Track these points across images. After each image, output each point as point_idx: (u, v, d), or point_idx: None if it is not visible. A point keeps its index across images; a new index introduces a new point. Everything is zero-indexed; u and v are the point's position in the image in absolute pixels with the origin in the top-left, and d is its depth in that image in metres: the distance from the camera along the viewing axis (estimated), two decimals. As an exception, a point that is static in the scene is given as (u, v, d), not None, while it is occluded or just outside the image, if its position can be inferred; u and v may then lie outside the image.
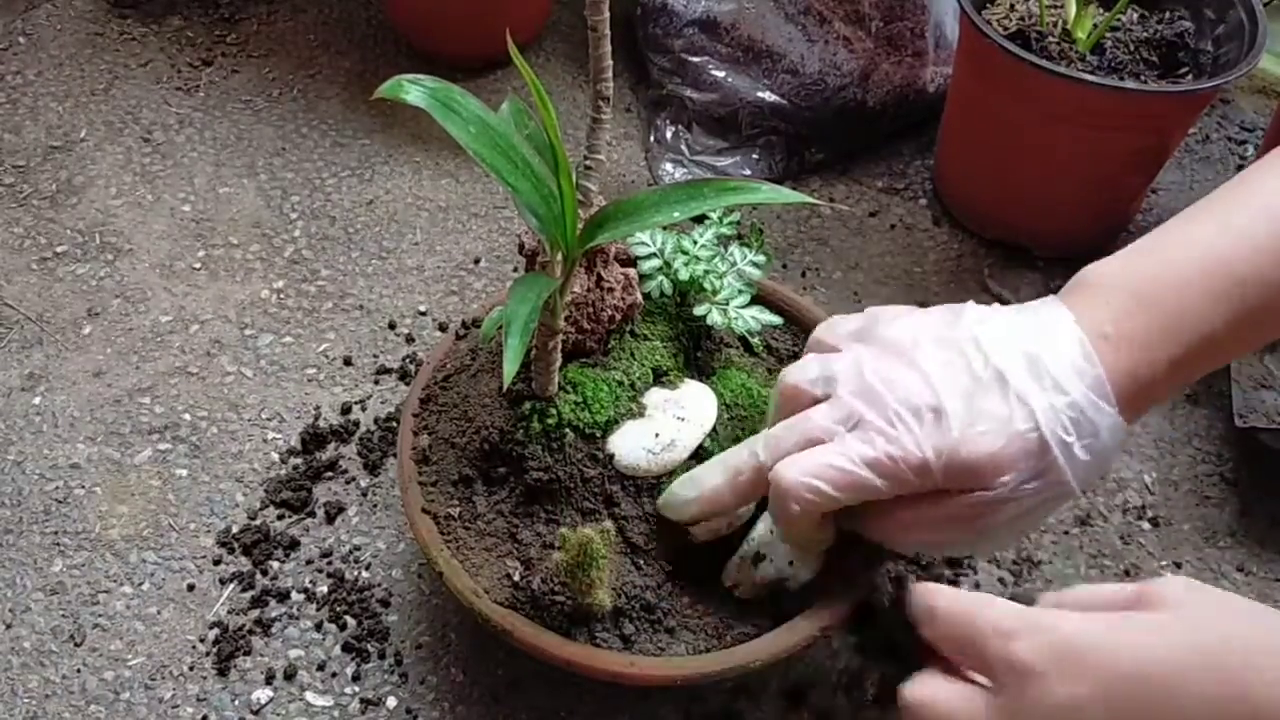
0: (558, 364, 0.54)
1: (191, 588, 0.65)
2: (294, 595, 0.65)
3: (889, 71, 0.93)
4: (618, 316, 0.58)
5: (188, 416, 0.74)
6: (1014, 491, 0.45)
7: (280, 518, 0.69)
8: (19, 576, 0.66)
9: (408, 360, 0.78)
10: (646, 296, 0.60)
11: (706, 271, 0.60)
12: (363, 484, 0.71)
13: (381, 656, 0.62)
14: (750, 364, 0.63)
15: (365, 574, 0.66)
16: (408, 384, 0.76)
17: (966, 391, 0.46)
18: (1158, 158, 0.83)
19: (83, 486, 0.70)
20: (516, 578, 0.54)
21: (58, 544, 0.67)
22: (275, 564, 0.66)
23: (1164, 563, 0.68)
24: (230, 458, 0.72)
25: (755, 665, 0.52)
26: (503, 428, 0.56)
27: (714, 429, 0.57)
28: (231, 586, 0.65)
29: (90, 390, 0.76)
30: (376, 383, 0.77)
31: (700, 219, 0.62)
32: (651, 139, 0.96)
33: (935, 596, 0.45)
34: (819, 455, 0.47)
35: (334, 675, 0.62)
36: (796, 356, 0.66)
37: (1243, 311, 0.46)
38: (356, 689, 0.61)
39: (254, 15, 1.08)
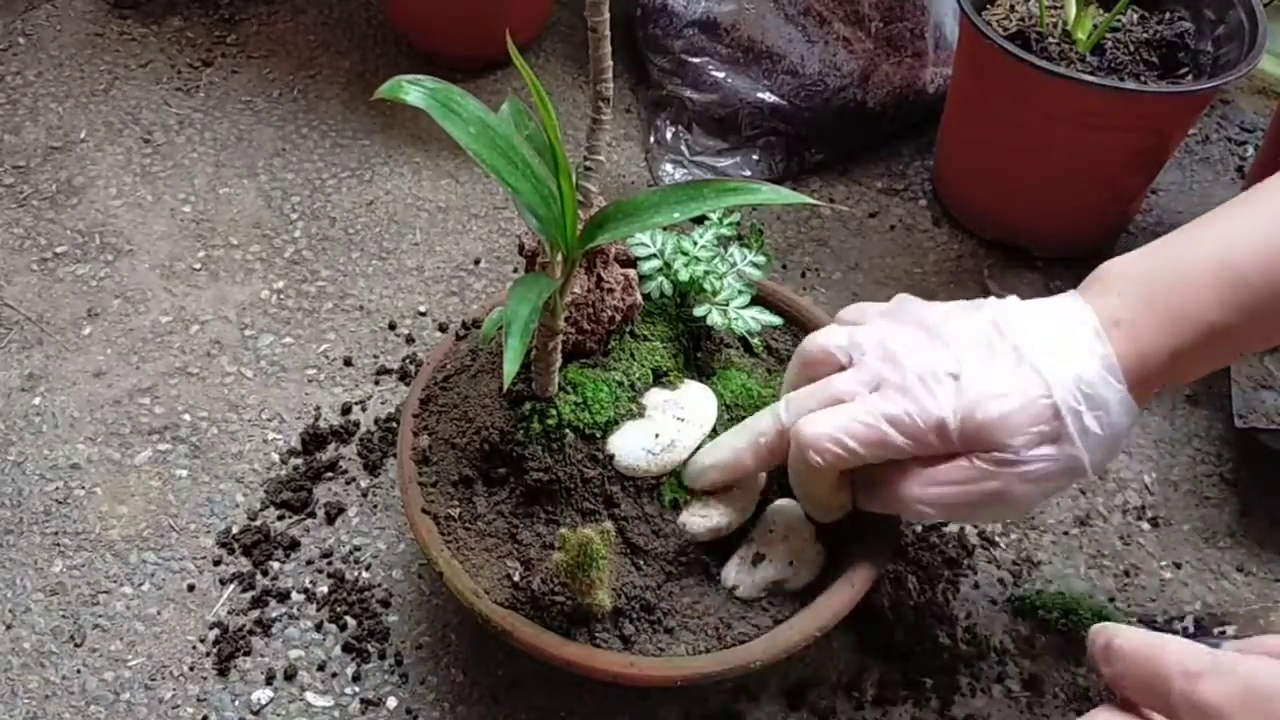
0: (558, 364, 0.54)
1: (192, 588, 0.65)
2: (294, 595, 0.65)
3: (889, 72, 0.93)
4: (618, 317, 0.58)
5: (188, 417, 0.74)
6: (1027, 455, 0.47)
7: (280, 518, 0.69)
8: (19, 577, 0.66)
9: (408, 361, 0.78)
10: (646, 297, 0.60)
11: (706, 272, 0.60)
12: (363, 484, 0.71)
13: (382, 657, 0.62)
14: (750, 364, 0.63)
15: (365, 574, 0.66)
16: (408, 384, 0.76)
17: (984, 360, 0.49)
18: (1157, 158, 0.83)
19: (83, 487, 0.70)
20: (516, 578, 0.55)
21: (58, 544, 0.67)
22: (275, 564, 0.66)
23: (1164, 563, 0.68)
24: (230, 458, 0.72)
25: (755, 665, 0.52)
26: (503, 428, 0.56)
27: (714, 429, 0.57)
28: (232, 587, 0.65)
29: (90, 391, 0.76)
30: (377, 383, 0.77)
31: (700, 220, 0.62)
32: (651, 140, 0.96)
33: (1117, 635, 0.45)
34: (841, 411, 0.50)
35: (334, 675, 0.62)
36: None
37: (1249, 311, 0.48)
38: (357, 689, 0.61)
39: (254, 16, 1.08)
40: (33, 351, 0.78)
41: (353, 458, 0.72)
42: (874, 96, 0.93)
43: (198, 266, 0.85)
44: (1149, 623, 0.64)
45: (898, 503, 0.51)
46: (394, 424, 0.73)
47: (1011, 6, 0.85)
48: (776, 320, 0.62)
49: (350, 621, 0.64)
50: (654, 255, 0.61)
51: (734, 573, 0.56)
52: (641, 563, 0.55)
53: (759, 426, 0.53)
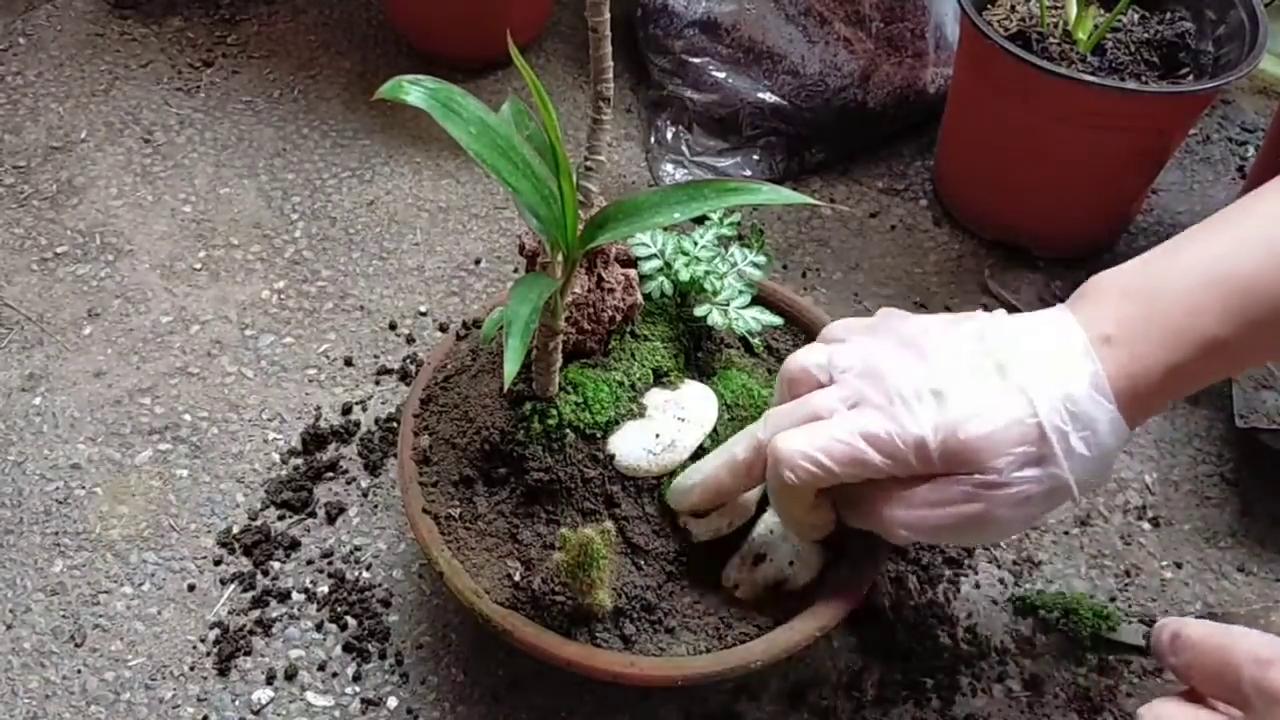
0: (558, 364, 0.54)
1: (192, 588, 0.65)
2: (295, 595, 0.65)
3: (889, 72, 0.93)
4: (618, 317, 0.58)
5: (188, 417, 0.74)
6: (1011, 477, 0.46)
7: (281, 518, 0.69)
8: (19, 577, 0.66)
9: (408, 361, 0.78)
10: (647, 297, 0.60)
11: (707, 272, 0.60)
12: (363, 484, 0.71)
13: (382, 657, 0.62)
14: (751, 365, 0.63)
15: (366, 574, 0.66)
16: (408, 384, 0.76)
17: (968, 378, 0.47)
18: (1158, 158, 0.83)
19: (83, 487, 0.70)
20: (517, 578, 0.55)
21: (58, 544, 0.67)
22: (276, 564, 0.66)
23: (1164, 563, 0.68)
24: (231, 458, 0.72)
25: (755, 665, 0.52)
26: (503, 428, 0.56)
27: (714, 429, 0.57)
28: (232, 587, 0.65)
29: (90, 391, 0.76)
30: (377, 383, 0.77)
31: (701, 220, 0.62)
32: (652, 140, 0.96)
33: (1185, 626, 0.45)
34: (818, 428, 0.48)
35: (335, 675, 0.62)
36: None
37: (1247, 322, 0.46)
38: (357, 689, 0.61)
39: (254, 16, 1.08)
40: (33, 351, 0.78)
41: (353, 458, 0.72)
42: (874, 96, 0.93)
43: (198, 266, 0.85)
44: (1149, 623, 0.64)
45: (878, 523, 0.50)
46: (394, 424, 0.73)
47: (1012, 7, 0.85)
48: (777, 320, 0.62)
49: (351, 621, 0.64)
50: (654, 255, 0.61)
51: (734, 573, 0.56)
52: (642, 562, 0.55)
53: (735, 447, 0.52)
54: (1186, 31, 0.82)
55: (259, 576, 0.66)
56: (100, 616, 0.64)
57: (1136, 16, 0.84)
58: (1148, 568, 0.68)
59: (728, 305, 0.61)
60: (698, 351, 0.62)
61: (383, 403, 0.75)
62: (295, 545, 0.67)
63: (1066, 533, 0.70)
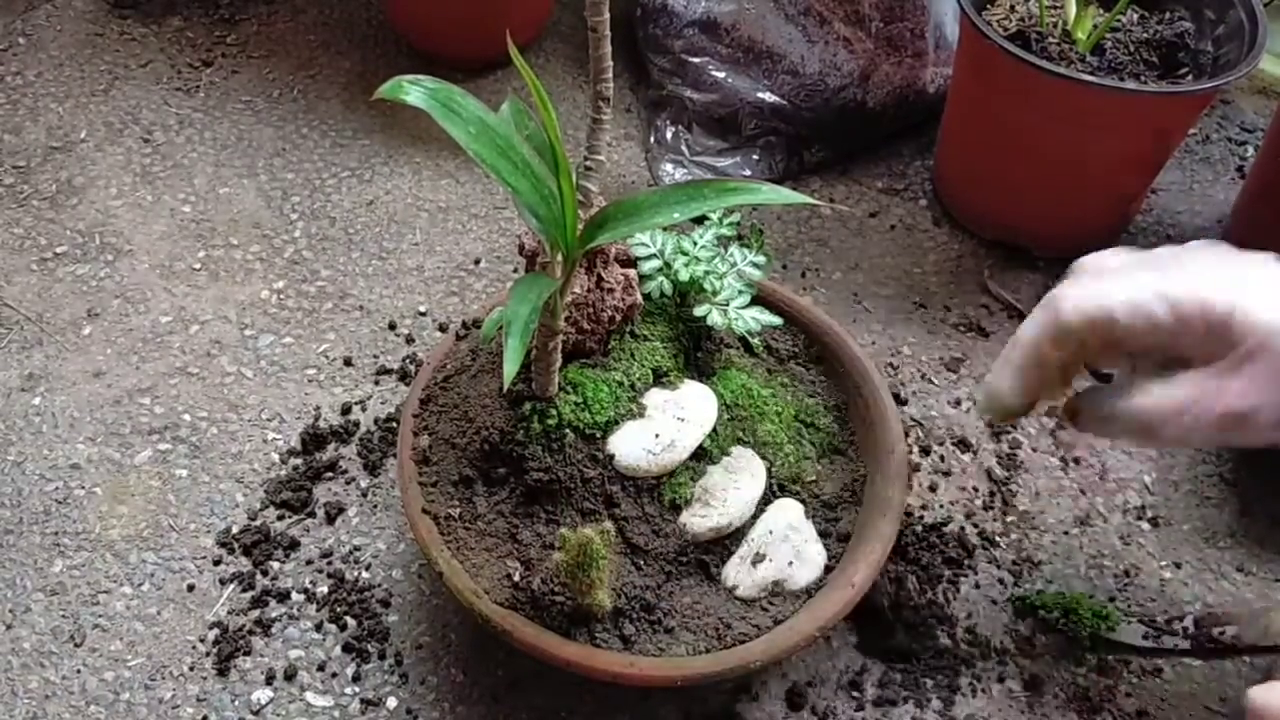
0: (558, 364, 0.54)
1: (191, 588, 0.65)
2: (294, 595, 0.65)
3: (889, 72, 0.93)
4: (618, 317, 0.58)
5: (188, 417, 0.74)
6: None
7: (280, 518, 0.69)
8: (19, 577, 0.66)
9: (408, 361, 0.78)
10: (646, 297, 0.60)
11: (706, 272, 0.60)
12: (363, 484, 0.71)
13: (382, 657, 0.62)
14: (750, 364, 0.63)
15: (365, 574, 0.66)
16: (408, 384, 0.76)
17: (1262, 279, 0.46)
18: (1158, 158, 0.83)
19: (83, 487, 0.70)
20: (516, 578, 0.55)
21: (58, 544, 0.67)
22: (275, 564, 0.66)
23: (1164, 563, 0.68)
24: (230, 458, 0.72)
25: (755, 665, 0.52)
26: (503, 428, 0.56)
27: (714, 429, 0.57)
28: (231, 587, 0.65)
29: (90, 391, 0.76)
30: (376, 383, 0.77)
31: (700, 220, 0.62)
32: (652, 139, 0.96)
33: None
34: (1112, 278, 0.47)
35: (334, 675, 0.62)
36: (796, 357, 0.67)
37: None
38: (357, 689, 0.61)
39: (254, 16, 1.08)
40: (33, 351, 0.78)
41: (353, 458, 0.72)
42: (874, 96, 0.93)
43: (198, 266, 0.85)
44: (1149, 623, 0.64)
45: (1146, 412, 0.47)
46: (394, 424, 0.73)
47: (1011, 6, 0.85)
48: (776, 320, 0.62)
49: (350, 621, 0.64)
50: (654, 255, 0.61)
51: (734, 573, 0.56)
52: (642, 563, 0.55)
53: (1023, 330, 0.49)
54: (1186, 31, 0.82)
55: (258, 576, 0.66)
56: (100, 616, 0.64)
57: (1136, 16, 0.84)
58: (1147, 568, 0.68)
59: (727, 305, 0.61)
60: (697, 351, 0.62)
61: (382, 403, 0.75)
62: (295, 545, 0.67)
63: (1066, 533, 0.70)
